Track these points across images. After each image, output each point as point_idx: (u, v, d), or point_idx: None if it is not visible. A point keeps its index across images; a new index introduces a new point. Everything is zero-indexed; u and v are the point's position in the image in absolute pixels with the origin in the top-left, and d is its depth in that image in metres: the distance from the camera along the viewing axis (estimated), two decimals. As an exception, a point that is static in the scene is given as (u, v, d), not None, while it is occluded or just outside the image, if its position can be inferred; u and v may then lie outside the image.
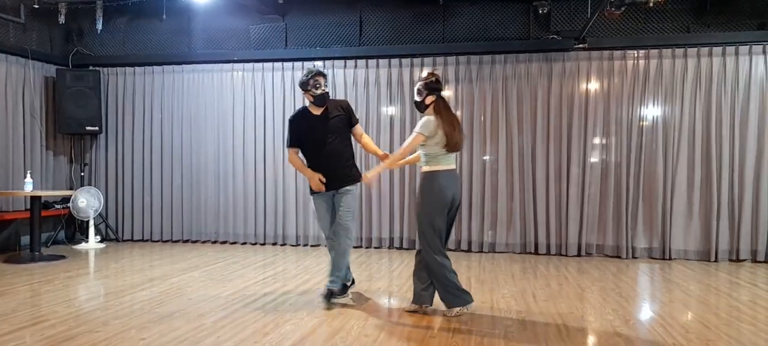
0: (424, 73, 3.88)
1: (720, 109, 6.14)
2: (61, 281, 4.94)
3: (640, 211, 6.30)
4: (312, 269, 5.47)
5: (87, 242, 6.96)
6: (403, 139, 6.82)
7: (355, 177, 4.18)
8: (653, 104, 6.32)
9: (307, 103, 4.18)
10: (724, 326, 3.59)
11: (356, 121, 4.29)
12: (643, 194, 6.30)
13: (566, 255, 6.41)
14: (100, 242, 7.11)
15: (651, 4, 5.56)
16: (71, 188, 7.28)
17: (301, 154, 4.26)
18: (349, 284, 4.34)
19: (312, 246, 6.98)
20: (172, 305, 4.04)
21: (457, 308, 3.76)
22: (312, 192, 4.20)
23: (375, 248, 6.87)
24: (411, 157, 4.03)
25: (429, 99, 3.81)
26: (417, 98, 3.86)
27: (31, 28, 7.01)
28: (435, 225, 3.73)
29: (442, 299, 3.81)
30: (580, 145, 6.45)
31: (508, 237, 6.59)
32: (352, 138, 4.32)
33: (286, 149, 4.41)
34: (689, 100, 6.22)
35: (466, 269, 5.52)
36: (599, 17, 5.94)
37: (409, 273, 5.27)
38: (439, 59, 6.78)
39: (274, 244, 7.14)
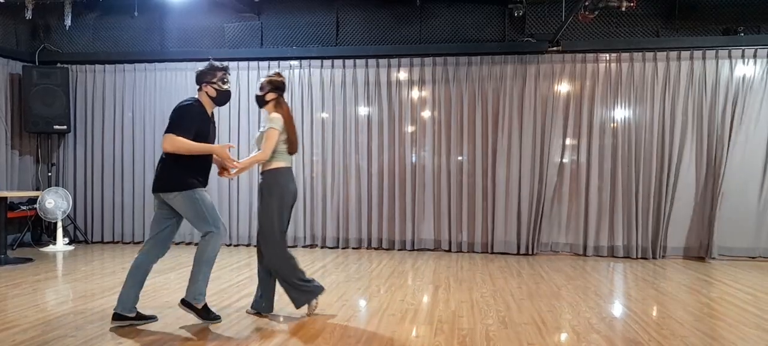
0: (272, 73, 3.91)
1: (688, 111, 6.33)
2: (30, 284, 4.78)
3: (615, 210, 6.44)
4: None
5: (55, 244, 6.75)
6: (379, 140, 6.83)
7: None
8: (624, 106, 6.48)
9: (203, 99, 3.66)
10: (696, 322, 3.70)
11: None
12: (614, 193, 6.45)
13: (542, 254, 6.51)
14: (69, 243, 6.91)
15: (623, 9, 5.70)
16: (38, 189, 7.06)
17: None
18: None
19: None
20: (148, 309, 3.95)
21: (314, 302, 3.79)
22: (198, 186, 3.58)
23: (353, 248, 6.86)
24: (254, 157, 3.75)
25: (270, 96, 3.78)
26: (259, 92, 3.82)
27: (-5, 23, 6.77)
28: (283, 224, 3.71)
29: (295, 301, 3.73)
30: (554, 146, 6.57)
31: (484, 237, 6.67)
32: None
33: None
34: (659, 102, 6.40)
35: (444, 269, 5.56)
36: (573, 21, 6.06)
37: (389, 273, 5.30)
38: (416, 60, 6.81)
39: (248, 245, 7.05)
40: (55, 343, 3.19)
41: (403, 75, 6.86)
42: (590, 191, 6.48)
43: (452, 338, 3.31)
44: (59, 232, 6.73)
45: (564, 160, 6.57)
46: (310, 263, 5.84)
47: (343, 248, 6.85)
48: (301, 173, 6.94)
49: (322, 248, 6.89)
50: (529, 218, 6.57)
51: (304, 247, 6.93)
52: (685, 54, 6.35)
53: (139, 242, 7.25)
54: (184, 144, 3.46)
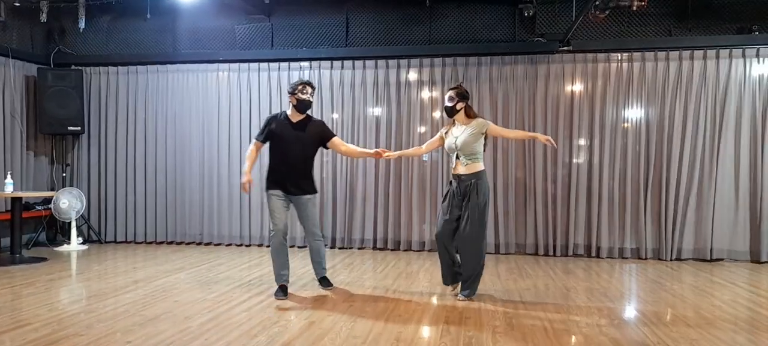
0: (455, 84, 4.55)
1: (701, 111, 6.25)
2: (43, 283, 4.85)
3: (626, 212, 6.38)
4: (298, 272, 5.44)
5: (69, 243, 6.85)
6: (388, 140, 6.83)
7: (313, 189, 4.48)
8: (636, 106, 6.41)
9: (289, 109, 4.43)
10: (707, 325, 3.65)
11: (333, 135, 4.54)
12: (627, 194, 6.38)
13: (552, 255, 6.47)
14: (83, 243, 7.01)
15: (634, 8, 5.65)
16: (53, 189, 7.17)
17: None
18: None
19: (299, 248, 6.95)
20: (158, 308, 3.99)
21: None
22: (268, 188, 4.42)
23: (362, 248, 6.86)
24: (414, 150, 4.88)
25: (460, 105, 4.33)
26: (448, 104, 4.35)
27: (11, 27, 6.88)
28: (487, 220, 4.32)
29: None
30: (566, 146, 6.52)
31: (493, 238, 6.64)
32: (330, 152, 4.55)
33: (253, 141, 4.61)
34: (671, 102, 6.32)
35: (452, 270, 5.54)
36: (583, 20, 6.01)
37: (397, 274, 5.29)
38: (426, 60, 6.81)
39: (260, 245, 7.10)
40: (65, 341, 3.23)
41: (412, 76, 6.86)
42: (602, 191, 6.42)
43: (458, 339, 3.30)
44: (73, 232, 6.83)
45: (575, 161, 6.52)
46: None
47: (352, 249, 6.86)
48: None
49: (331, 248, 6.91)
50: (539, 219, 6.53)
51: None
52: (699, 53, 6.27)
53: (151, 242, 7.34)
54: (249, 153, 4.49)
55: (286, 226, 4.40)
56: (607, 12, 5.68)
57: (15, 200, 5.85)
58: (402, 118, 6.85)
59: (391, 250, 6.79)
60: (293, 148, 4.33)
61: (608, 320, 3.77)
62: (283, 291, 4.37)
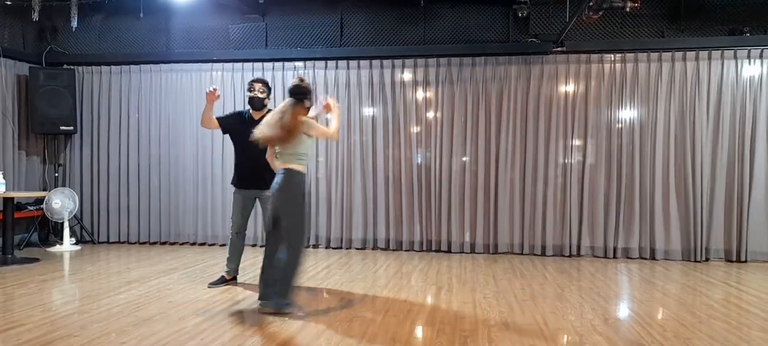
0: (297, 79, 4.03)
1: (693, 111, 6.30)
2: (36, 284, 4.82)
3: (620, 212, 6.42)
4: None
5: (62, 244, 6.80)
6: (384, 140, 6.84)
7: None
8: (629, 107, 6.46)
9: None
10: (700, 324, 3.69)
11: None
12: (620, 195, 6.43)
13: (545, 256, 6.50)
14: (75, 243, 6.96)
15: (627, 9, 5.68)
16: (45, 189, 7.11)
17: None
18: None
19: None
20: (152, 309, 3.98)
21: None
22: (235, 186, 4.65)
23: (357, 249, 6.87)
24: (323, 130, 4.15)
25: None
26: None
27: (2, 25, 6.83)
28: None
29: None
30: (559, 147, 6.56)
31: (487, 238, 6.66)
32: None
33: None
34: (664, 103, 6.37)
35: (447, 270, 5.57)
36: (577, 21, 6.04)
37: (392, 274, 5.30)
38: (420, 61, 6.82)
39: (253, 245, 7.08)
40: (59, 342, 3.22)
41: (407, 76, 6.87)
42: (598, 192, 6.46)
43: (454, 338, 3.32)
44: (66, 232, 6.78)
45: (569, 162, 6.56)
46: (313, 264, 5.86)
47: (347, 249, 6.86)
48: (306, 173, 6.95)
49: (326, 248, 6.91)
50: (533, 219, 6.56)
51: (306, 247, 6.94)
52: (691, 54, 6.33)
53: (144, 243, 7.30)
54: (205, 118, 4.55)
55: (241, 225, 4.69)
56: (600, 13, 5.71)
57: (7, 201, 5.81)
58: (397, 118, 6.86)
59: (390, 250, 6.79)
60: (253, 144, 4.17)
61: (603, 319, 3.79)
62: (220, 281, 4.73)
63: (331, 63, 6.98)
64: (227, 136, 4.81)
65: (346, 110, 6.93)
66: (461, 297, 4.36)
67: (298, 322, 3.67)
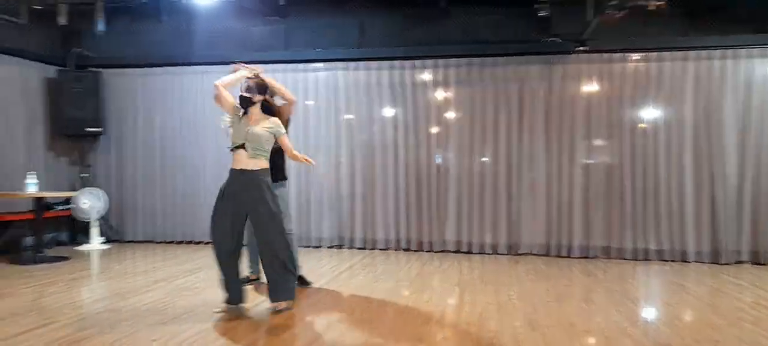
0: (251, 75, 3.92)
1: (719, 111, 6.20)
2: (66, 282, 4.93)
3: (646, 213, 6.33)
4: (317, 271, 5.48)
5: (90, 243, 6.93)
6: (405, 140, 6.85)
7: (276, 178, 4.31)
8: (654, 106, 6.38)
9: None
10: (729, 327, 3.64)
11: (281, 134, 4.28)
12: (645, 196, 6.35)
13: (570, 257, 6.44)
14: (103, 243, 7.09)
15: (651, 8, 5.62)
16: (73, 190, 7.25)
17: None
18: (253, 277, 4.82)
19: (313, 247, 6.99)
20: (181, 307, 4.04)
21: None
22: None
23: (380, 249, 6.87)
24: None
25: (257, 98, 3.87)
26: (246, 94, 3.83)
27: (31, 29, 6.97)
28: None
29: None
30: (582, 148, 6.51)
31: (510, 239, 6.63)
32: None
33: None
34: (690, 102, 6.28)
35: (468, 271, 5.56)
36: (600, 20, 5.98)
37: (415, 274, 5.31)
38: (440, 61, 6.82)
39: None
40: (90, 339, 3.28)
41: (426, 76, 6.88)
42: (624, 193, 6.37)
43: (480, 339, 3.32)
44: (94, 231, 6.92)
45: (592, 162, 6.50)
46: (336, 264, 5.90)
47: (370, 249, 6.88)
48: (326, 174, 7.01)
49: (350, 249, 6.93)
50: (557, 220, 6.52)
51: (330, 248, 6.98)
52: (716, 53, 6.23)
53: (170, 242, 7.41)
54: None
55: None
56: (623, 12, 5.66)
57: (37, 200, 5.93)
58: (417, 119, 6.87)
59: (412, 251, 6.79)
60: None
61: (631, 321, 3.76)
62: (244, 281, 4.56)
63: (351, 64, 7.01)
64: None
65: (366, 111, 6.95)
66: (485, 298, 4.36)
67: (323, 322, 3.70)
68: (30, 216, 6.30)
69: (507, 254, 6.57)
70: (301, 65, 7.11)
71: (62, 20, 6.87)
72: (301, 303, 4.19)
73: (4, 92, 6.56)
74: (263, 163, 3.86)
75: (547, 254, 6.51)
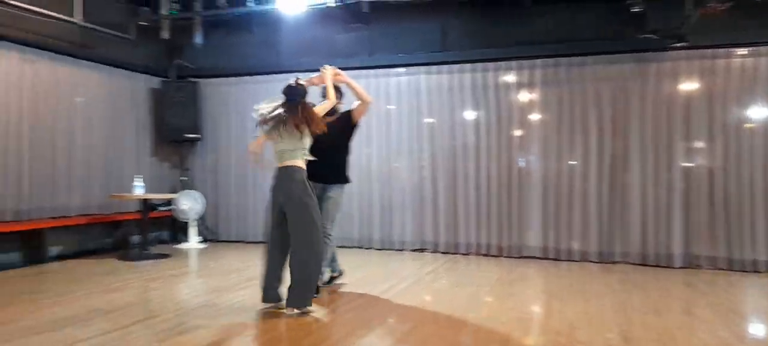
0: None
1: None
2: (167, 278, 5.30)
3: (754, 219, 5.81)
4: (399, 273, 5.53)
5: (188, 242, 7.43)
6: (488, 145, 6.74)
7: (336, 180, 4.56)
8: (761, 105, 5.85)
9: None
10: None
11: (351, 111, 4.70)
12: (753, 201, 5.83)
13: (669, 267, 6.02)
14: (200, 242, 7.56)
15: (760, -1, 5.18)
16: (174, 192, 7.80)
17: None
18: (335, 275, 4.89)
19: (396, 251, 7.04)
20: (272, 304, 4.22)
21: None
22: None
23: (462, 254, 6.81)
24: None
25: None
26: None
27: (139, 44, 7.59)
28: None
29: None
30: (680, 150, 6.09)
31: (600, 246, 6.33)
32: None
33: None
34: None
35: (556, 278, 5.37)
36: (700, 14, 5.58)
37: (499, 280, 5.21)
38: (525, 62, 6.65)
39: (360, 247, 7.27)
40: (192, 332, 3.51)
41: (511, 78, 6.73)
42: (728, 198, 5.89)
43: (570, 350, 3.20)
44: (192, 231, 7.40)
45: (692, 165, 6.07)
46: (418, 268, 5.91)
47: (453, 253, 6.83)
48: (409, 178, 7.05)
49: (433, 252, 6.92)
50: (652, 226, 6.14)
51: (413, 251, 7.01)
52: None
53: (260, 242, 7.73)
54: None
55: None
56: (727, 3, 5.25)
57: (143, 202, 6.44)
58: (500, 122, 6.74)
59: (494, 256, 6.66)
60: (320, 139, 4.31)
61: (738, 338, 3.47)
62: (330, 281, 4.79)
63: (434, 68, 7.01)
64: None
65: (448, 114, 6.92)
66: (574, 307, 4.19)
67: (405, 326, 3.72)
68: (136, 216, 6.84)
69: (597, 262, 6.27)
70: (383, 70, 7.21)
71: (165, 35, 7.47)
72: (384, 306, 4.24)
73: (116, 102, 7.18)
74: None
75: (643, 263, 6.13)
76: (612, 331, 3.58)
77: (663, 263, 6.07)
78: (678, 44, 6.07)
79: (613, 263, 6.23)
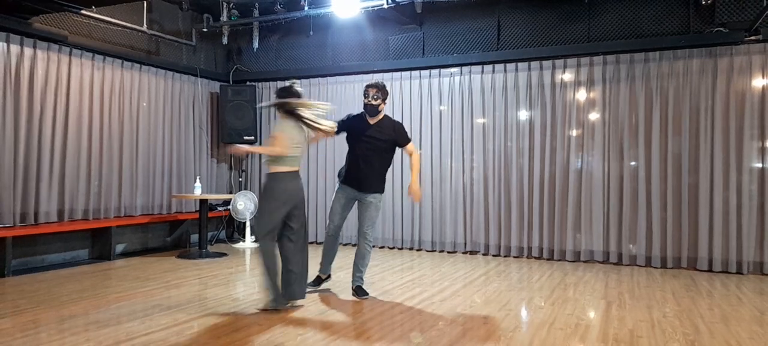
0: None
1: None
2: (224, 276, 5.46)
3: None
4: (450, 276, 5.46)
5: (244, 241, 7.63)
6: (541, 143, 6.56)
7: (378, 189, 4.56)
8: None
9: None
10: None
11: (407, 142, 4.63)
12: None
13: (739, 273, 5.66)
14: (255, 241, 7.74)
15: None
16: (231, 192, 8.04)
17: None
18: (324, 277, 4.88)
19: (448, 253, 6.97)
20: (323, 304, 4.26)
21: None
22: (340, 180, 4.67)
23: (515, 256, 6.66)
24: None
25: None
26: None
27: (200, 50, 7.89)
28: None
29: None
30: (753, 150, 5.71)
31: (664, 250, 6.02)
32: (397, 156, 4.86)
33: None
34: None
35: (616, 283, 5.15)
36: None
37: (554, 284, 5.05)
38: (584, 60, 6.43)
39: (411, 249, 7.24)
40: (246, 330, 3.59)
41: (568, 76, 6.52)
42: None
43: (630, 359, 3.05)
44: (247, 230, 7.60)
45: (765, 167, 5.67)
46: (470, 270, 5.82)
47: (504, 256, 6.70)
48: (460, 178, 6.97)
49: (484, 255, 6.81)
50: (720, 231, 5.78)
51: (464, 253, 6.92)
52: None
53: (311, 242, 7.86)
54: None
55: (340, 223, 4.66)
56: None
57: (202, 202, 6.67)
58: (556, 122, 6.54)
59: (548, 259, 6.48)
60: (363, 146, 4.48)
61: (819, 352, 3.20)
62: (316, 282, 4.81)
63: (488, 67, 6.89)
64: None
65: (502, 114, 6.79)
66: (635, 314, 3.99)
67: (457, 330, 3.66)
68: (196, 216, 7.09)
69: (660, 267, 5.97)
70: (436, 70, 7.15)
71: (225, 40, 7.73)
72: (438, 307, 4.20)
73: (178, 106, 7.49)
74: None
75: (709, 270, 5.79)
76: (677, 340, 3.39)
77: (732, 270, 5.70)
78: (752, 37, 5.69)
79: (679, 268, 5.91)
